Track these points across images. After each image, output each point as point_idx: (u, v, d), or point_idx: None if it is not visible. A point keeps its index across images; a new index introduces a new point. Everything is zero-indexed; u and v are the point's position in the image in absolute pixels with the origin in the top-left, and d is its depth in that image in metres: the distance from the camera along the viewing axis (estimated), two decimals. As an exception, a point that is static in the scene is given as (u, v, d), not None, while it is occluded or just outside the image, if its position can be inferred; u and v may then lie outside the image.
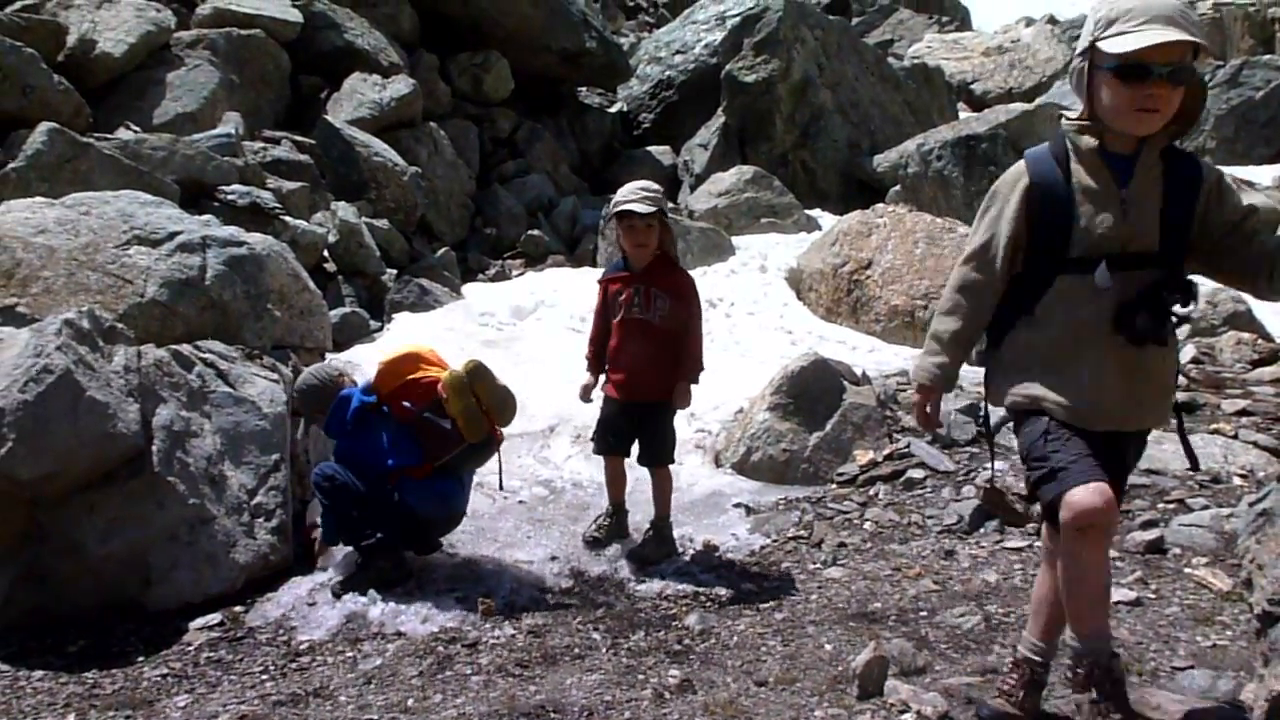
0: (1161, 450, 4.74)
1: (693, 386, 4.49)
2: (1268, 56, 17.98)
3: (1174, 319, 2.50)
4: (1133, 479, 4.60)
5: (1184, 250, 2.51)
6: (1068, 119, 2.59)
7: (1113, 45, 2.37)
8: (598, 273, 4.65)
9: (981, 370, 2.84)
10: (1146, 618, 3.48)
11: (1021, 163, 2.62)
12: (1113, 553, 4.14)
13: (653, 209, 4.28)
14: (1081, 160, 2.52)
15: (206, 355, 4.68)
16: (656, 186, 4.43)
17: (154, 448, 4.13)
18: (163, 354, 4.48)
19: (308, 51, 11.48)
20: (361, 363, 6.37)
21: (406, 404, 4.32)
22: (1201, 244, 2.51)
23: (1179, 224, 2.48)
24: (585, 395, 4.70)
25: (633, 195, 4.34)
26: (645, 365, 4.46)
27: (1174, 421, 2.70)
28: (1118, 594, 3.70)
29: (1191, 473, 4.53)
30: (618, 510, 4.72)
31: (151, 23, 9.91)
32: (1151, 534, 4.12)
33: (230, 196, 7.90)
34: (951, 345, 2.73)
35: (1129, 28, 2.35)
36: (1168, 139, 2.51)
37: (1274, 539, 2.59)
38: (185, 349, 4.63)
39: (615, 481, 4.72)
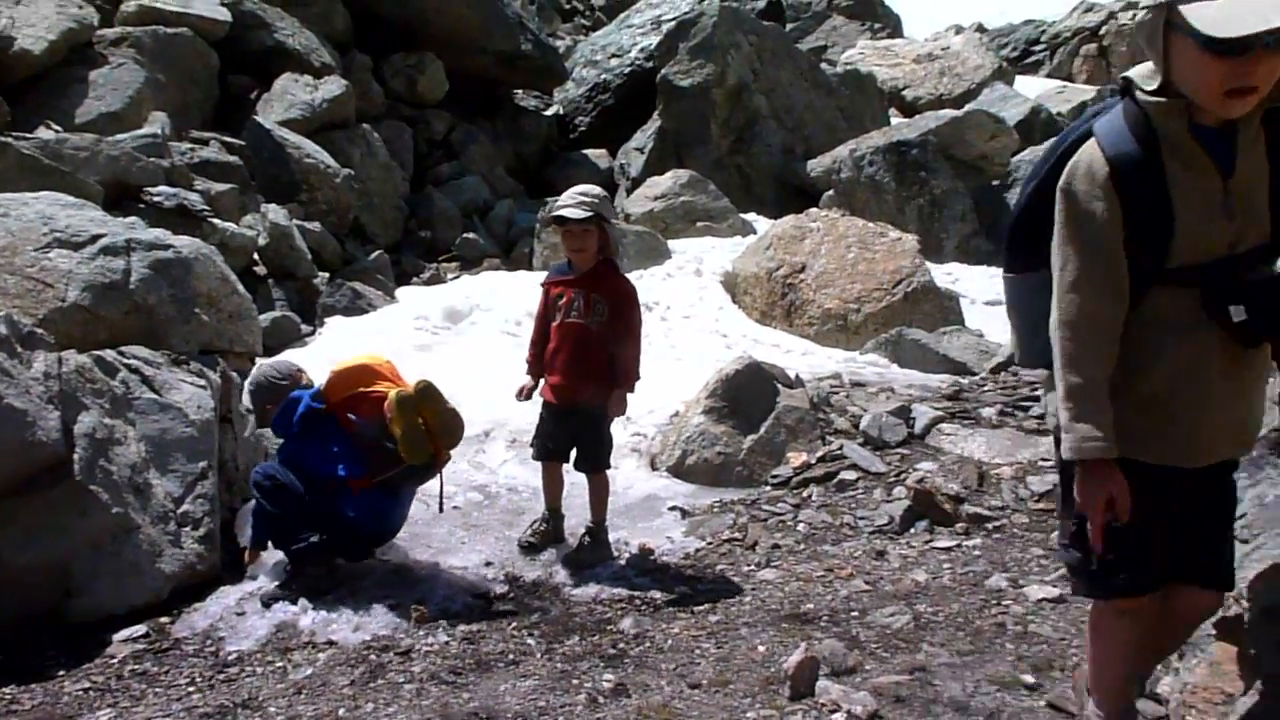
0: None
1: (629, 395, 4.50)
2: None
3: None
4: (1057, 478, 4.74)
5: None
6: (1143, 91, 2.00)
7: (1202, 20, 1.80)
8: (534, 276, 4.61)
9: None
10: (1069, 614, 3.56)
11: (1092, 146, 2.03)
12: (1037, 550, 4.25)
13: (588, 214, 4.25)
14: (1172, 144, 1.97)
15: (131, 361, 4.57)
16: (598, 191, 4.41)
17: (76, 456, 4.02)
18: (85, 360, 4.36)
19: (237, 51, 11.29)
20: (293, 367, 6.27)
21: (352, 416, 4.26)
22: None
23: None
24: (523, 395, 4.64)
25: (569, 200, 4.32)
26: (580, 370, 4.43)
27: None
28: (1042, 591, 3.80)
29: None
30: (554, 515, 4.71)
31: (73, 19, 9.67)
32: (1074, 532, 4.22)
33: (156, 198, 7.74)
34: (1098, 397, 2.05)
35: None
36: (1268, 104, 1.94)
37: (1187, 536, 2.68)
38: (108, 354, 4.52)
39: (552, 487, 4.71)
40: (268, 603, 4.06)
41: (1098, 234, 2.01)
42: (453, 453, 4.51)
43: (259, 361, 5.37)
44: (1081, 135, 2.09)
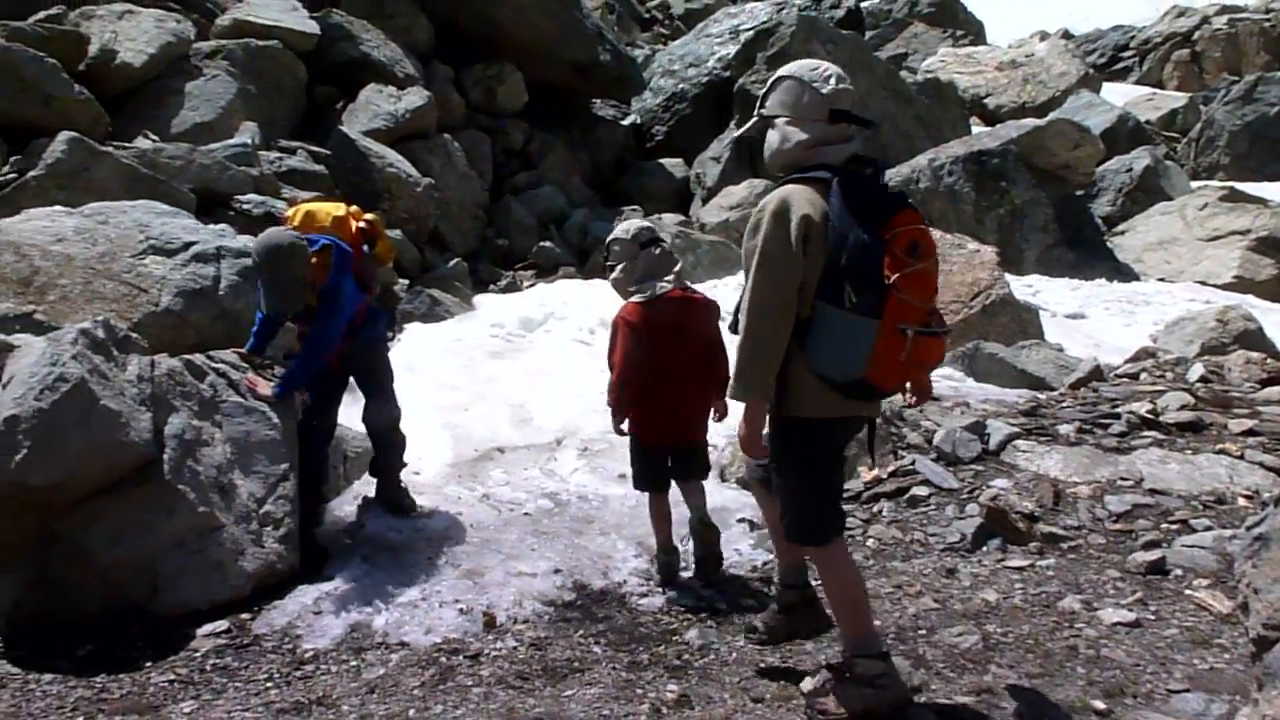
0: (1166, 470, 4.75)
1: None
2: (1283, 73, 17.98)
3: None
4: (1136, 498, 4.64)
5: None
6: None
7: None
8: (607, 285, 4.35)
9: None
10: (1145, 639, 3.48)
11: None
12: (1113, 573, 4.15)
13: None
14: None
15: (218, 365, 4.74)
16: None
17: (165, 456, 4.18)
18: (175, 364, 4.54)
19: (324, 62, 11.62)
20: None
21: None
22: None
23: None
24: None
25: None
26: None
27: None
28: (1116, 615, 3.71)
29: (1190, 493, 4.54)
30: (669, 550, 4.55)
31: (172, 34, 10.05)
32: (1154, 554, 4.11)
33: (245, 206, 8.00)
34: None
35: None
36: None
37: (1269, 563, 2.61)
38: (198, 358, 4.69)
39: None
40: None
41: None
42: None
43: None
44: None
